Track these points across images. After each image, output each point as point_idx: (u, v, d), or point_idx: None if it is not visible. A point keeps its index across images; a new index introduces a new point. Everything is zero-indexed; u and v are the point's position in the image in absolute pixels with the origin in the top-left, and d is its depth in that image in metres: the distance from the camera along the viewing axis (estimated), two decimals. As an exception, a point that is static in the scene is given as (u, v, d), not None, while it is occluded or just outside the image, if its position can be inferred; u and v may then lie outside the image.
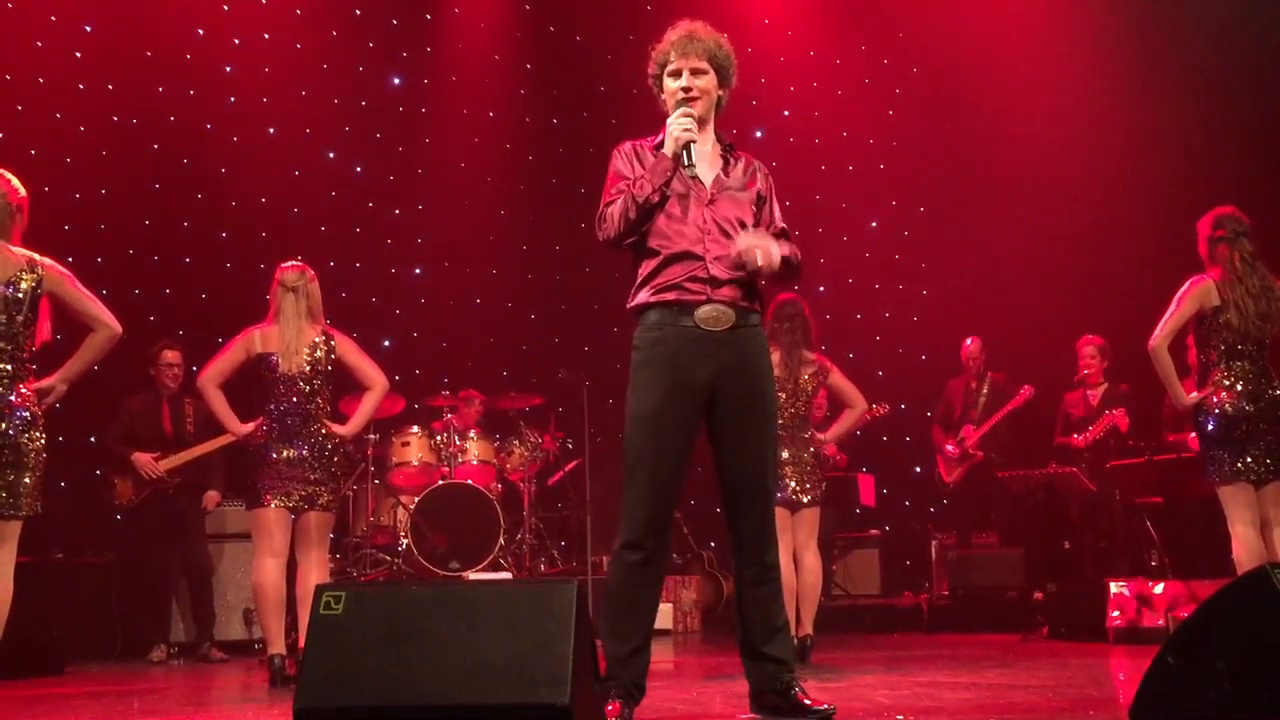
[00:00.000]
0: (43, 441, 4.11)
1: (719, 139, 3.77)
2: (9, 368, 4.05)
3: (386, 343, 9.29)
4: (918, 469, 9.54)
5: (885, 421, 8.26)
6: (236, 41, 9.51)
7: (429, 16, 10.21)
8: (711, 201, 3.63)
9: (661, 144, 3.65)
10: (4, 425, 4.00)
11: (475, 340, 9.93)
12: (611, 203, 3.62)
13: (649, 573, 3.53)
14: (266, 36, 9.59)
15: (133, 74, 9.03)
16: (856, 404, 6.12)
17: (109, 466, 7.16)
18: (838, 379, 6.07)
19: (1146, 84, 9.05)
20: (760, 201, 3.75)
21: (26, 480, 4.03)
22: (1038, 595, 7.25)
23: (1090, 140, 9.26)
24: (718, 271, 3.55)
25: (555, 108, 10.40)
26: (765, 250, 3.53)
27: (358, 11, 10.08)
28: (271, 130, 9.60)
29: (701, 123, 3.66)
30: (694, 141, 3.56)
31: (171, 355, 7.18)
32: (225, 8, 9.53)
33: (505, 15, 10.38)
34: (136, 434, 7.12)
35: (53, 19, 8.85)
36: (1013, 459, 8.20)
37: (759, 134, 10.52)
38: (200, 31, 9.37)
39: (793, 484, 5.83)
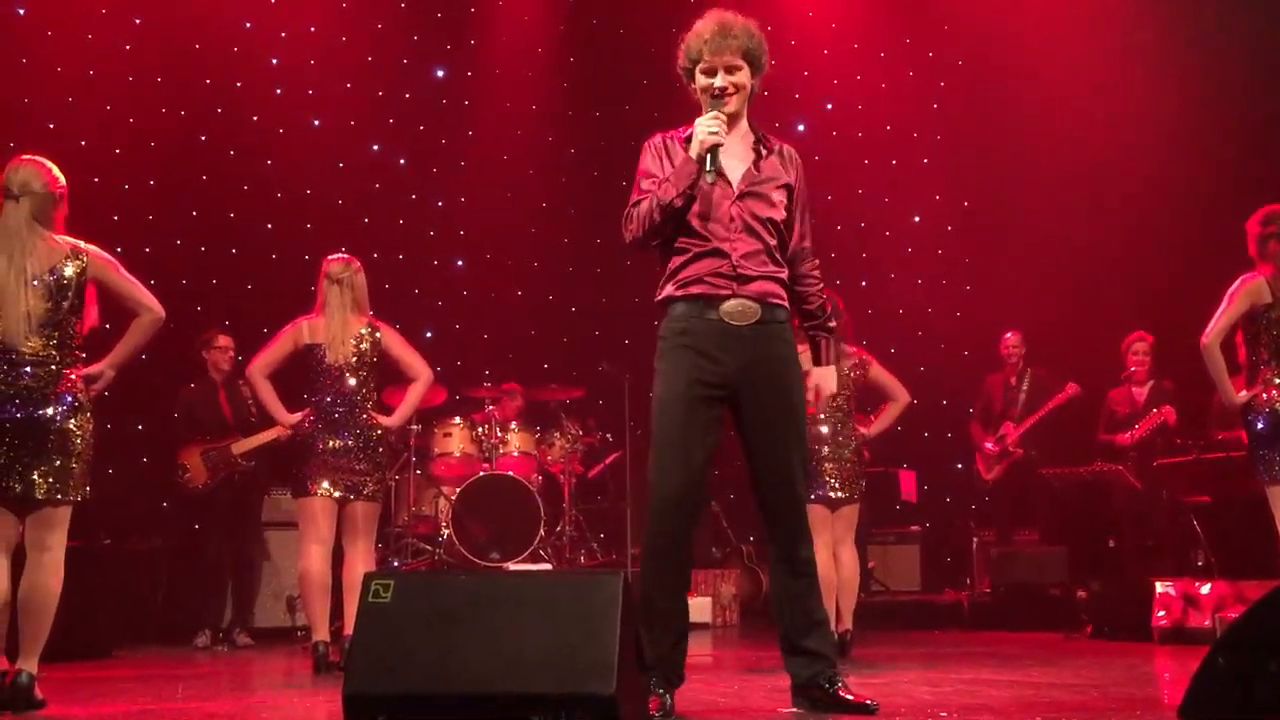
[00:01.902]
0: (91, 427, 4.17)
1: (752, 129, 3.74)
2: (56, 354, 4.11)
3: (428, 334, 9.34)
4: (959, 465, 9.48)
5: (925, 416, 8.22)
6: (283, 34, 9.60)
7: (473, 9, 10.25)
8: (741, 197, 3.61)
9: (691, 136, 3.60)
10: (52, 411, 4.06)
11: (517, 332, 9.97)
12: (638, 202, 3.62)
13: (680, 557, 3.55)
14: (313, 29, 9.67)
15: (181, 66, 9.13)
16: (899, 397, 6.06)
17: (182, 450, 7.25)
18: (878, 372, 6.03)
19: (1194, 75, 8.93)
20: (790, 191, 3.71)
21: (75, 466, 4.10)
22: (1081, 594, 7.18)
23: (1137, 132, 9.15)
24: (744, 268, 3.56)
25: (598, 100, 10.41)
26: (827, 389, 3.81)
27: (402, 4, 10.14)
28: (316, 122, 9.68)
29: (734, 118, 3.64)
30: (720, 145, 3.51)
31: (224, 340, 7.27)
32: (272, 1, 9.62)
33: (548, 8, 10.40)
34: (198, 421, 7.22)
35: (103, 12, 8.97)
36: (1053, 456, 8.13)
37: (801, 127, 10.48)
38: (247, 24, 9.46)
39: (832, 480, 5.80)
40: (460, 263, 10.22)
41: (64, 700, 4.23)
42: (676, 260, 3.61)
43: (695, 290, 3.56)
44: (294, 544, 6.41)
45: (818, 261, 3.85)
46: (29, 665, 3.98)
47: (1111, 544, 7.67)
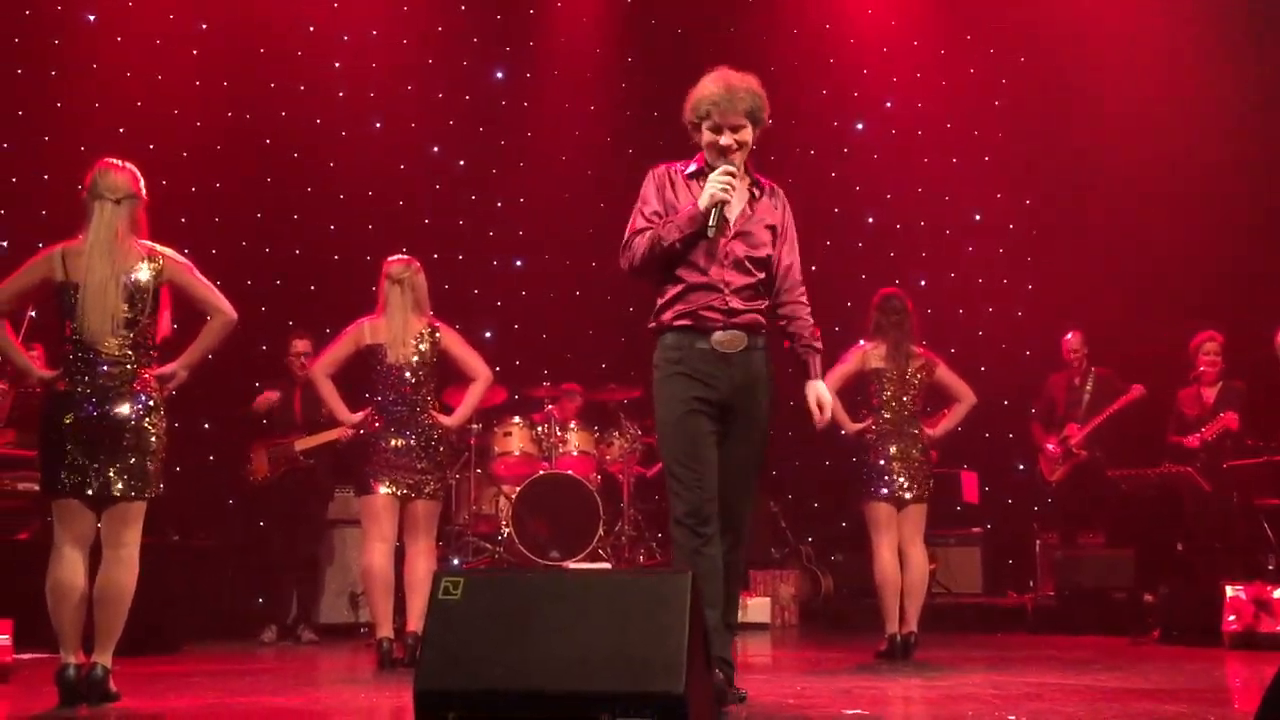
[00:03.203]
0: (164, 426, 4.26)
1: (747, 173, 3.99)
2: (132, 354, 4.21)
3: (487, 334, 9.40)
4: (1020, 466, 9.36)
5: (986, 416, 8.12)
6: (345, 38, 9.71)
7: (531, 11, 10.29)
8: (736, 236, 3.89)
9: (695, 174, 3.91)
10: (128, 410, 4.15)
11: (575, 332, 9.99)
12: (640, 233, 3.88)
13: (713, 561, 3.75)
14: (374, 33, 9.76)
15: (246, 70, 9.27)
16: (965, 398, 6.02)
17: (250, 444, 7.38)
18: (944, 373, 6.00)
19: (1265, 68, 8.75)
20: (775, 231, 3.98)
21: (149, 464, 4.18)
22: (1148, 597, 7.07)
23: (1205, 128, 8.98)
24: (735, 303, 3.86)
25: (656, 101, 10.37)
26: (830, 407, 4.04)
27: (462, 7, 10.21)
28: (378, 124, 9.77)
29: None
30: (727, 203, 3.79)
31: (300, 344, 7.38)
32: (335, 5, 9.74)
33: (607, 9, 10.42)
34: (271, 418, 7.38)
35: (170, 17, 9.12)
36: (1118, 458, 8.00)
37: (860, 126, 10.42)
38: (311, 28, 9.57)
39: (900, 479, 5.76)
40: (519, 263, 10.26)
41: (136, 694, 4.31)
42: (672, 290, 3.89)
43: (688, 322, 3.84)
44: (358, 542, 6.49)
45: (804, 289, 4.09)
46: (104, 659, 4.07)
47: (1180, 547, 7.53)
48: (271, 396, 7.33)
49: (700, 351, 3.82)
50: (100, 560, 4.14)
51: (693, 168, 3.95)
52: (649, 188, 3.95)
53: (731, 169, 3.79)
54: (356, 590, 7.50)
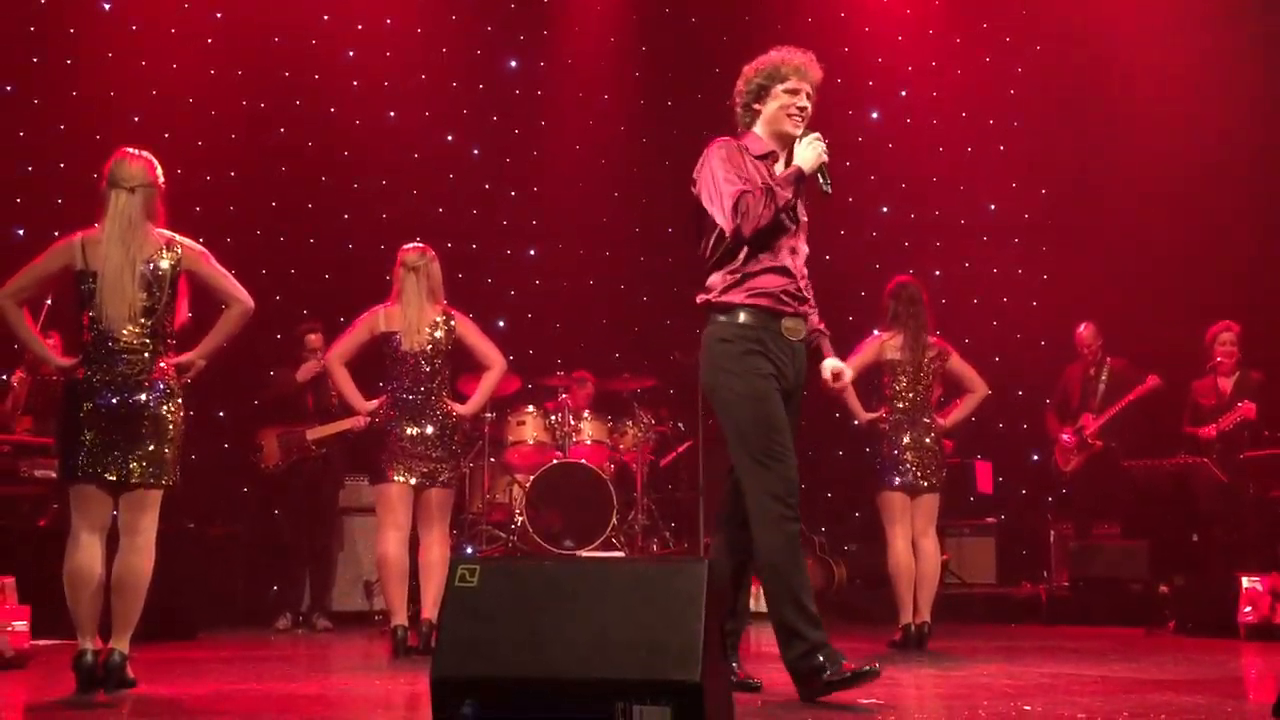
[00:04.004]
0: (182, 414, 4.27)
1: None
2: (149, 342, 4.22)
3: (501, 323, 9.40)
4: (1035, 456, 9.34)
5: (1001, 407, 8.10)
6: (359, 27, 9.70)
7: (545, 0, 10.28)
8: (800, 226, 4.01)
9: (764, 155, 3.97)
10: (145, 398, 4.17)
11: (588, 321, 9.99)
12: (746, 192, 3.82)
13: (800, 537, 3.80)
14: (388, 22, 9.76)
15: (261, 59, 9.28)
16: (977, 388, 6.01)
17: (261, 430, 7.41)
18: (957, 363, 5.99)
19: (1277, 59, 8.69)
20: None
21: (167, 451, 4.20)
22: (1163, 588, 7.04)
23: (1221, 116, 8.93)
24: (804, 290, 3.97)
25: (670, 90, 10.39)
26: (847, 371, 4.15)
27: (476, -4, 10.21)
28: (392, 114, 9.77)
29: (790, 143, 3.99)
30: (827, 163, 3.90)
31: (314, 339, 7.37)
32: (349, -7, 9.73)
33: (621, -2, 10.40)
34: (282, 406, 7.39)
35: (185, 6, 9.13)
36: (1133, 448, 7.98)
37: (875, 115, 10.38)
38: (325, 17, 9.58)
39: (914, 469, 5.76)
40: (533, 252, 10.26)
41: (153, 680, 4.34)
42: (747, 268, 3.87)
43: (764, 303, 3.86)
44: (372, 530, 6.50)
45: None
46: (121, 645, 4.09)
47: (1195, 538, 7.50)
48: (314, 367, 7.23)
49: (774, 334, 3.85)
50: (117, 547, 4.16)
51: (760, 149, 3.97)
52: (721, 157, 3.91)
53: (816, 135, 3.90)
54: (371, 578, 7.52)
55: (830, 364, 4.08)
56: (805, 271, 4.00)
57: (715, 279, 3.90)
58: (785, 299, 3.88)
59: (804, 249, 4.02)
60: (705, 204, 3.89)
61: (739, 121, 4.07)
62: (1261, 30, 8.82)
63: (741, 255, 3.87)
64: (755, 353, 3.81)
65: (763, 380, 3.79)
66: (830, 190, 3.90)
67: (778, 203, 3.80)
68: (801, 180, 3.87)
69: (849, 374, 4.16)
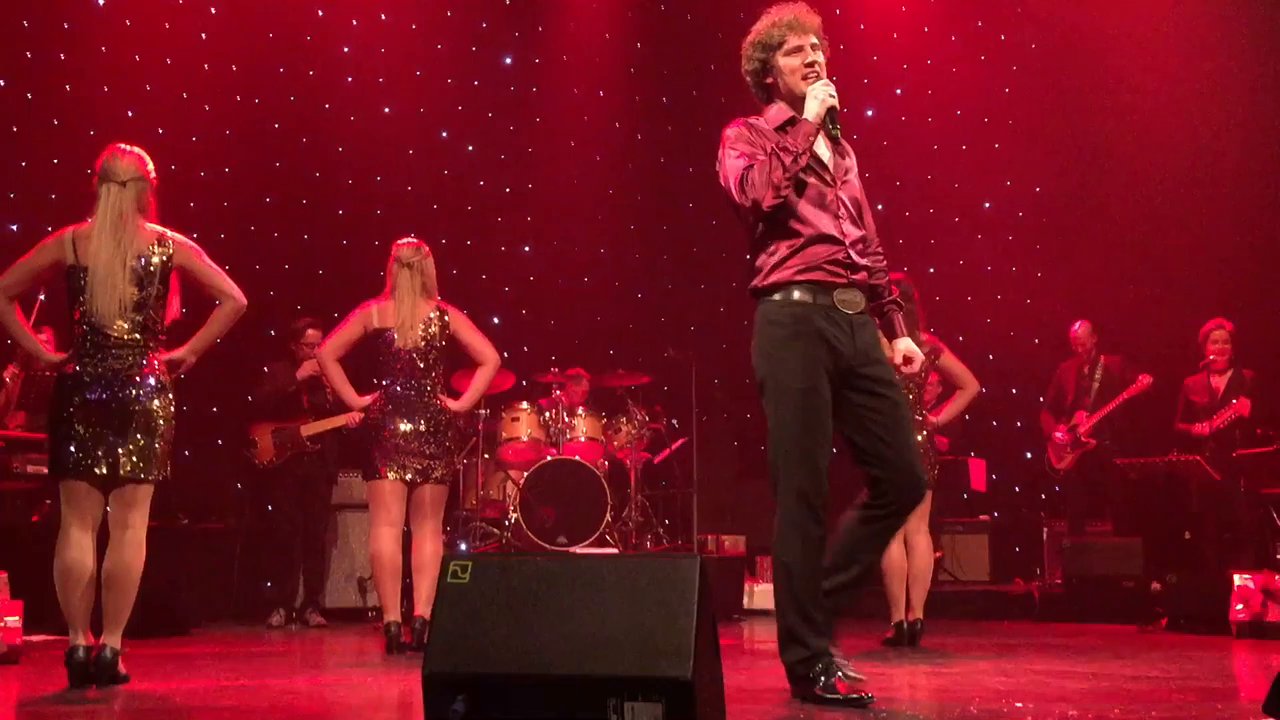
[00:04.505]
0: (173, 409, 4.27)
1: None
2: (140, 338, 4.22)
3: (495, 320, 9.40)
4: (1028, 454, 9.35)
5: (994, 404, 8.12)
6: (354, 22, 9.69)
7: (540, -5, 10.29)
8: (840, 184, 3.71)
9: (785, 124, 3.70)
10: (136, 393, 4.16)
11: (583, 318, 9.99)
12: (750, 167, 3.61)
13: (825, 542, 3.60)
14: (383, 17, 9.75)
15: (255, 55, 9.26)
16: (968, 385, 6.01)
17: (254, 426, 7.40)
18: (949, 360, 5.99)
19: (1271, 58, 8.70)
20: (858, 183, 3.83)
21: (157, 446, 4.20)
22: (1156, 586, 7.06)
23: (1214, 118, 8.95)
24: (854, 256, 3.65)
25: (665, 86, 10.39)
26: (917, 355, 3.85)
27: (471, -9, 10.20)
28: (387, 109, 9.77)
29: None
30: (835, 107, 3.63)
31: (312, 334, 7.35)
32: (343, -11, 9.72)
33: (616, -6, 10.40)
34: (276, 401, 7.39)
35: (179, 1, 9.11)
36: (1126, 446, 7.99)
37: (870, 112, 10.37)
38: (320, 13, 9.57)
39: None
40: (527, 249, 10.26)
41: (145, 676, 4.33)
42: (787, 245, 3.63)
43: (814, 276, 3.60)
44: (365, 526, 6.50)
45: (879, 242, 3.90)
46: (113, 640, 4.08)
47: (1188, 536, 7.52)
48: (315, 365, 7.20)
49: (824, 310, 3.58)
50: (108, 543, 4.16)
51: (779, 119, 3.71)
52: (730, 139, 3.69)
53: (829, 81, 3.63)
54: (364, 575, 7.53)
55: (903, 345, 3.81)
56: (859, 233, 3.69)
57: (759, 261, 3.67)
58: (834, 269, 3.60)
59: (851, 209, 3.69)
60: (724, 190, 3.70)
61: (760, 103, 3.83)
62: (1255, 29, 8.83)
63: (779, 230, 3.63)
64: (800, 335, 3.56)
65: (808, 370, 3.54)
66: (838, 133, 3.66)
67: (785, 163, 3.53)
68: (812, 133, 3.58)
69: (918, 359, 3.85)
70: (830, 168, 3.71)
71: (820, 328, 3.57)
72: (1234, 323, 7.71)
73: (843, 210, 3.67)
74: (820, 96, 3.61)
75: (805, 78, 3.68)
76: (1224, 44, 8.91)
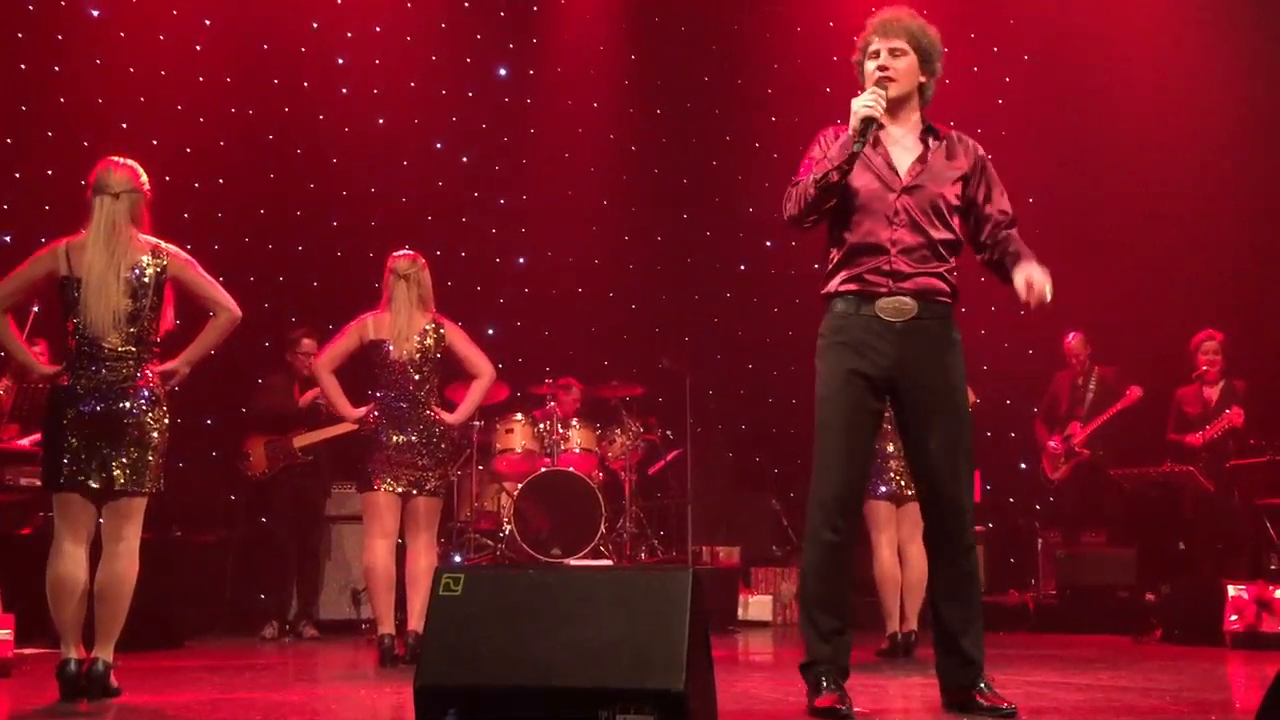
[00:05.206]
0: (166, 421, 4.26)
1: (923, 120, 3.73)
2: (134, 350, 4.21)
3: (490, 331, 9.39)
4: (1023, 464, 9.36)
5: (989, 415, 8.11)
6: (349, 34, 9.70)
7: (535, 8, 10.28)
8: (907, 190, 3.59)
9: None
10: (129, 405, 4.15)
11: (577, 329, 9.98)
12: (798, 182, 3.62)
13: (845, 553, 3.57)
14: (378, 29, 9.75)
15: (250, 66, 9.26)
16: (963, 397, 6.01)
17: (248, 438, 7.40)
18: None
19: (1265, 70, 8.74)
20: (965, 180, 3.67)
21: (151, 458, 4.18)
22: (1150, 596, 7.07)
23: (1208, 128, 8.97)
24: (901, 265, 3.54)
25: (659, 98, 10.40)
26: (1042, 284, 3.54)
27: (466, 4, 10.20)
28: (381, 121, 9.77)
29: (897, 105, 3.64)
30: (874, 118, 3.51)
31: (309, 343, 7.33)
32: (338, 1, 9.73)
33: (610, 6, 10.40)
34: (271, 413, 7.38)
35: (174, 13, 9.11)
36: (1121, 456, 8.00)
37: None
38: (314, 25, 9.57)
39: (897, 478, 5.77)
40: (522, 260, 10.26)
41: (138, 689, 4.31)
42: (836, 253, 3.63)
43: (854, 287, 3.57)
44: (359, 538, 6.49)
45: (1016, 230, 3.74)
46: (105, 654, 4.06)
47: (1182, 546, 7.52)
48: (315, 393, 7.20)
49: (863, 319, 3.53)
50: (101, 555, 4.14)
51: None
52: (814, 145, 3.67)
53: (880, 90, 3.53)
54: (358, 587, 7.50)
55: (1021, 273, 3.55)
56: (917, 240, 3.53)
57: (826, 270, 3.66)
58: (876, 278, 3.53)
59: (918, 214, 3.54)
60: None
61: None
62: (1249, 43, 8.87)
63: (831, 238, 3.63)
64: (837, 345, 3.55)
65: (837, 377, 3.52)
66: (859, 148, 3.49)
67: (816, 177, 3.50)
68: (848, 145, 3.49)
69: (1040, 284, 3.54)
70: (902, 171, 3.60)
71: (858, 338, 3.54)
72: (1227, 333, 7.73)
73: (901, 216, 3.55)
74: (855, 108, 3.51)
75: (878, 83, 3.58)
76: (1218, 54, 8.94)
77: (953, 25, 10.06)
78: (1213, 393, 7.67)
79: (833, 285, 3.62)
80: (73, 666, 4.01)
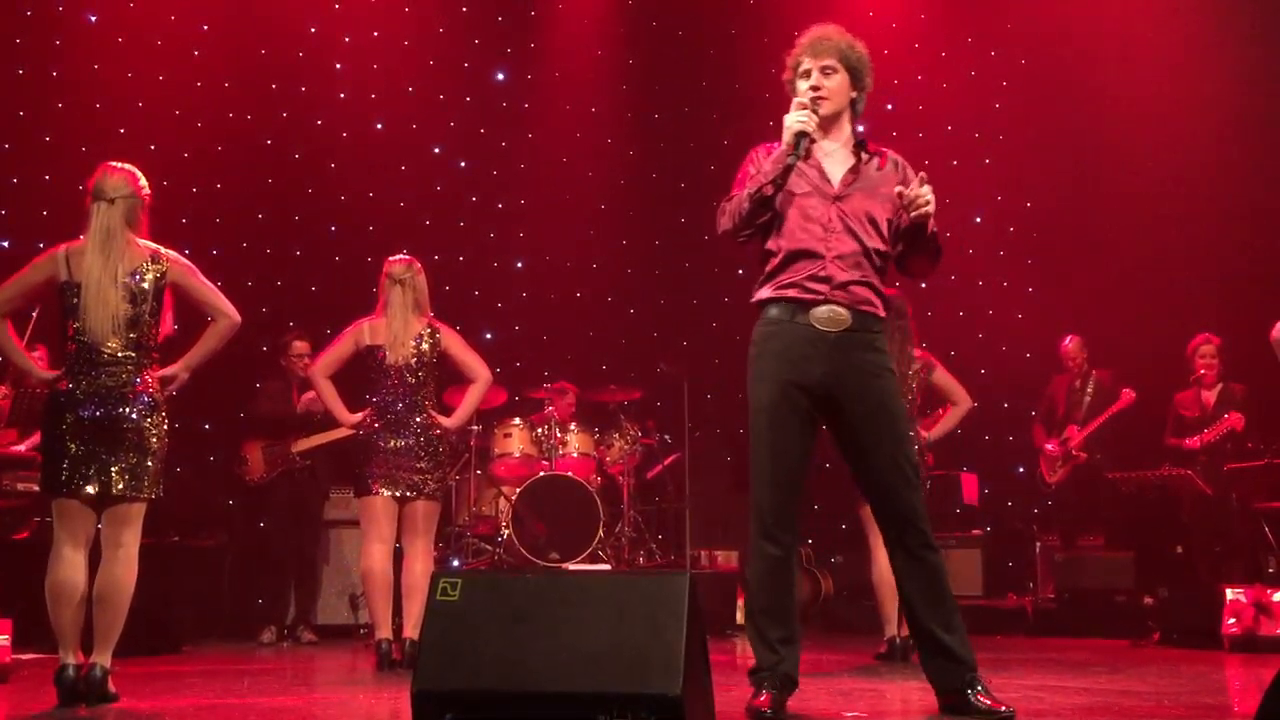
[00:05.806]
0: (165, 427, 4.26)
1: (854, 136, 3.78)
2: (134, 355, 4.21)
3: (488, 335, 9.40)
4: (1020, 468, 9.36)
5: (986, 419, 8.13)
6: (347, 39, 9.72)
7: (533, 13, 10.30)
8: (840, 198, 3.63)
9: None
10: (129, 410, 4.16)
11: (575, 333, 9.99)
12: (732, 197, 3.67)
13: (787, 564, 3.58)
14: (376, 34, 9.77)
15: (248, 71, 9.28)
16: (961, 401, 6.03)
17: (245, 443, 7.40)
18: (942, 375, 6.00)
19: (1261, 74, 8.75)
20: (898, 195, 3.66)
21: (150, 464, 4.19)
22: (1148, 600, 7.07)
23: (1203, 132, 8.98)
24: (836, 271, 3.56)
25: (657, 103, 10.42)
26: (928, 201, 3.54)
27: (463, 9, 10.22)
28: (379, 126, 9.79)
29: (830, 122, 3.70)
30: (807, 133, 3.55)
31: (301, 345, 7.37)
32: (336, 6, 9.75)
33: (608, 11, 10.42)
34: (268, 418, 7.39)
35: (172, 18, 9.13)
36: (1119, 460, 8.01)
37: (860, 129, 10.37)
38: (312, 30, 9.59)
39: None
40: (519, 264, 10.27)
41: (135, 694, 4.31)
42: (772, 262, 3.65)
43: (790, 294, 3.58)
44: (357, 543, 6.49)
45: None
46: (103, 659, 4.07)
47: (1180, 550, 7.52)
48: (311, 396, 7.21)
49: (798, 328, 3.54)
50: (100, 561, 4.14)
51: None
52: (748, 162, 3.71)
53: (805, 102, 3.57)
54: (356, 591, 7.50)
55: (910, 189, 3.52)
56: (854, 247, 3.55)
57: (758, 278, 3.70)
58: (811, 285, 3.54)
59: (855, 223, 3.57)
60: None
61: None
62: (1246, 46, 8.88)
63: (765, 249, 3.65)
64: (770, 354, 3.56)
65: (770, 387, 3.53)
66: (793, 161, 3.51)
67: (751, 190, 3.54)
68: (780, 160, 3.53)
69: (923, 194, 3.52)
70: (835, 181, 3.64)
71: (791, 348, 3.55)
72: (1225, 336, 7.75)
73: (836, 223, 3.58)
74: (788, 123, 3.56)
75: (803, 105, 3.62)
76: (1214, 61, 8.95)
77: (950, 30, 10.18)
78: (1210, 396, 7.68)
79: (766, 292, 3.64)
80: (71, 672, 4.01)
